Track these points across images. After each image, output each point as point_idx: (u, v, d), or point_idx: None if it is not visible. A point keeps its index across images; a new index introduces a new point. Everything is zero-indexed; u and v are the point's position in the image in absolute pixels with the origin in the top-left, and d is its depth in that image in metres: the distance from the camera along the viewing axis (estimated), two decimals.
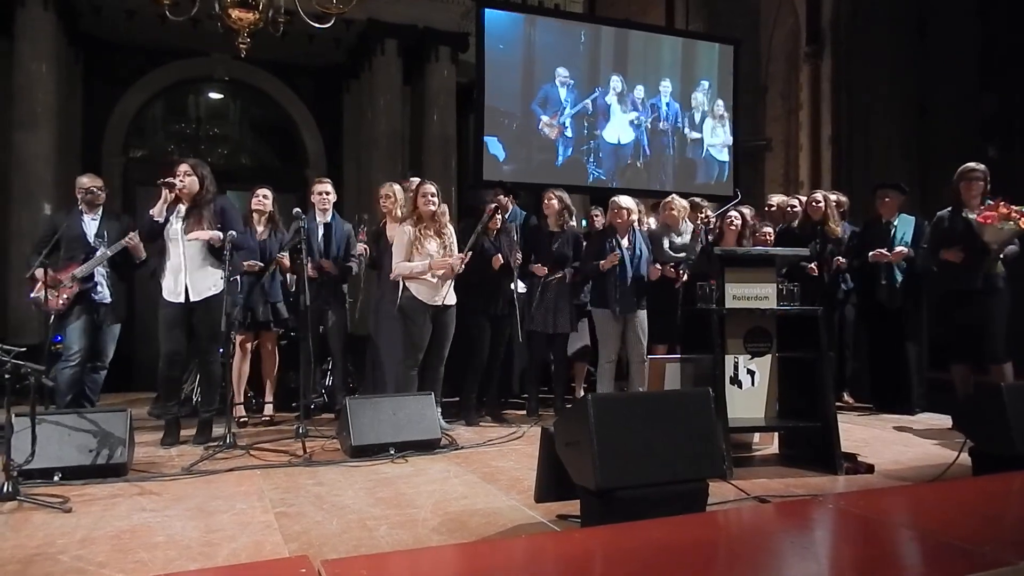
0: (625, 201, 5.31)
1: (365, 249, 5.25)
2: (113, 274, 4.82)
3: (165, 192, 4.23)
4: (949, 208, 4.97)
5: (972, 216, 4.78)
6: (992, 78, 8.06)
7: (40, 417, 3.35)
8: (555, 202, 5.49)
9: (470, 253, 4.80)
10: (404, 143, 9.85)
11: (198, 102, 10.72)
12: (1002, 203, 4.70)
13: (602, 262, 5.12)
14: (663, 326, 5.31)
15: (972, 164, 4.96)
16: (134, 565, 2.42)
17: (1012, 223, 4.63)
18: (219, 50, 9.30)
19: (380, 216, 5.35)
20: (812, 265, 5.47)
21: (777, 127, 10.58)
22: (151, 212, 4.26)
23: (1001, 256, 4.75)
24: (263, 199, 5.25)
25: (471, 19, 8.48)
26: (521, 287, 5.38)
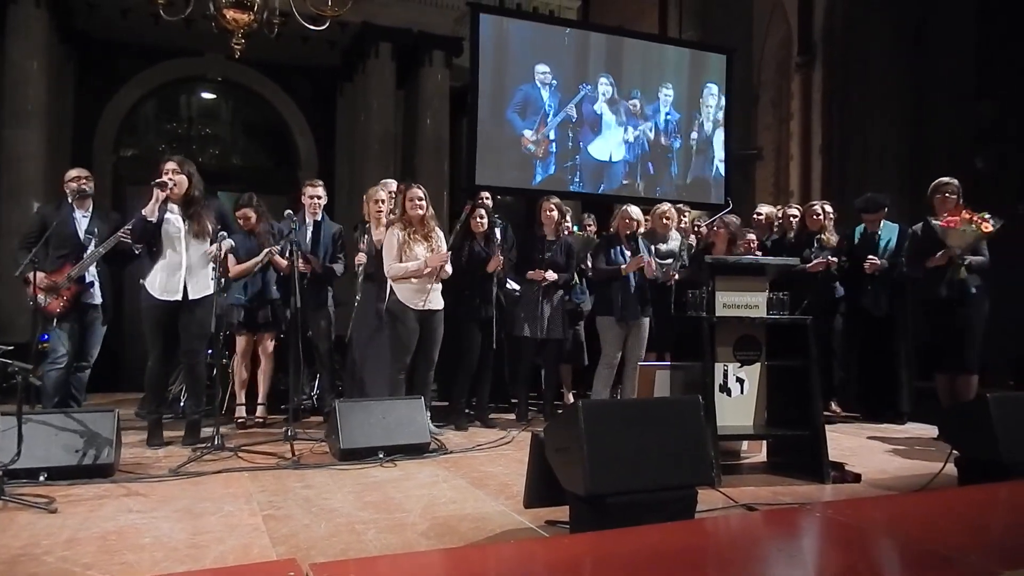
0: (635, 212, 5.37)
1: (364, 258, 5.24)
2: (105, 275, 4.79)
3: (158, 192, 4.21)
4: (922, 222, 5.08)
5: (936, 222, 4.88)
6: (987, 88, 8.13)
7: (26, 416, 3.33)
8: (555, 213, 5.50)
9: (451, 256, 4.83)
10: (397, 146, 9.84)
11: (190, 102, 10.68)
12: (965, 210, 4.82)
13: (624, 266, 5.14)
14: (652, 334, 5.33)
15: (945, 179, 5.07)
16: (120, 567, 2.40)
17: (974, 227, 4.74)
18: (213, 50, 9.27)
19: (366, 219, 5.37)
20: (819, 261, 5.47)
21: (768, 136, 10.64)
22: (143, 212, 4.22)
23: (964, 263, 4.81)
24: (243, 222, 5.18)
25: (465, 23, 8.46)
26: (513, 285, 5.40)
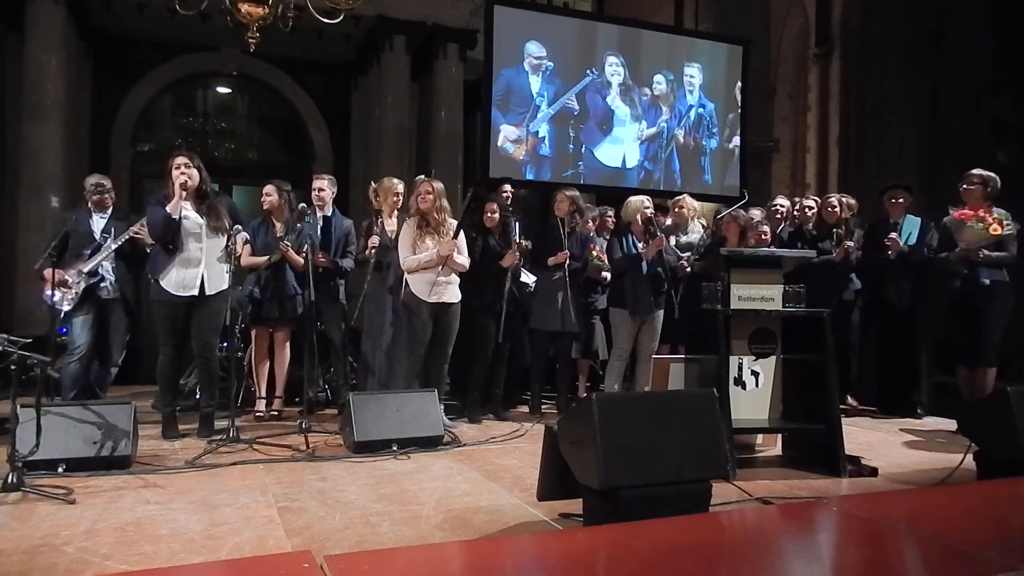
0: (635, 202, 5.33)
1: (376, 240, 5.26)
2: (120, 270, 4.82)
3: (180, 190, 4.24)
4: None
5: (951, 213, 4.89)
6: (1006, 82, 8.01)
7: (45, 408, 3.36)
8: (566, 204, 5.49)
9: (457, 242, 4.79)
10: (412, 140, 9.84)
11: (206, 96, 10.73)
12: (984, 207, 4.79)
13: (644, 249, 5.11)
14: (666, 326, 5.31)
15: (973, 170, 5.01)
16: (138, 557, 2.43)
17: (981, 226, 4.71)
18: (228, 45, 9.31)
19: (374, 212, 5.41)
20: (843, 246, 5.43)
21: (785, 128, 10.53)
22: (167, 209, 4.22)
23: (979, 257, 4.80)
24: (265, 196, 5.26)
25: (480, 16, 8.42)
26: (529, 278, 5.39)
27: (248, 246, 5.02)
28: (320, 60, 10.39)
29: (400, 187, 5.35)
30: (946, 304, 5.19)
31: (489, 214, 5.19)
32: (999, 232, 4.74)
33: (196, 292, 4.28)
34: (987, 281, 4.87)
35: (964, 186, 4.97)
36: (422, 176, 5.31)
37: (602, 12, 11.15)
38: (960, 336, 4.98)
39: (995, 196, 4.92)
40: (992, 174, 4.95)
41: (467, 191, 9.49)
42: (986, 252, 4.84)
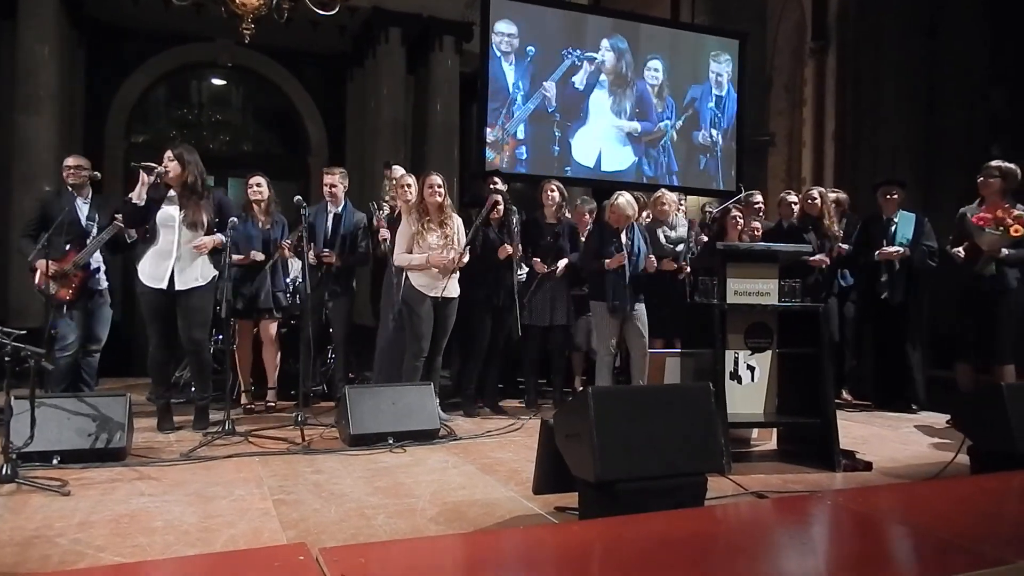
0: (624, 204, 5.11)
1: (387, 234, 5.19)
2: (108, 256, 4.80)
3: (143, 175, 4.18)
4: (976, 202, 4.97)
5: (969, 217, 4.80)
6: (1001, 77, 8.02)
7: (39, 400, 3.36)
8: (556, 194, 5.47)
9: (469, 248, 4.79)
10: (407, 132, 9.82)
11: (201, 88, 10.69)
12: (1002, 207, 4.69)
13: (607, 261, 5.07)
14: (661, 320, 5.30)
15: (993, 162, 4.90)
16: (132, 549, 2.42)
17: (1002, 230, 4.62)
18: (223, 36, 9.26)
19: (396, 203, 5.33)
20: (819, 256, 5.43)
21: (781, 122, 10.53)
22: (130, 195, 4.19)
23: (997, 258, 4.73)
24: (257, 188, 5.18)
25: (476, 8, 8.37)
26: (522, 272, 5.38)
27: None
28: (315, 52, 10.35)
29: (408, 179, 5.17)
30: (941, 299, 5.16)
31: (496, 208, 5.16)
32: (1020, 233, 4.60)
33: (164, 285, 4.20)
34: (1015, 282, 4.74)
35: (982, 178, 4.82)
36: (399, 167, 5.23)
37: (599, 3, 11.11)
38: (970, 332, 4.88)
39: (1014, 190, 4.77)
40: (1012, 166, 4.79)
41: (464, 185, 9.56)
42: (1008, 251, 4.72)
